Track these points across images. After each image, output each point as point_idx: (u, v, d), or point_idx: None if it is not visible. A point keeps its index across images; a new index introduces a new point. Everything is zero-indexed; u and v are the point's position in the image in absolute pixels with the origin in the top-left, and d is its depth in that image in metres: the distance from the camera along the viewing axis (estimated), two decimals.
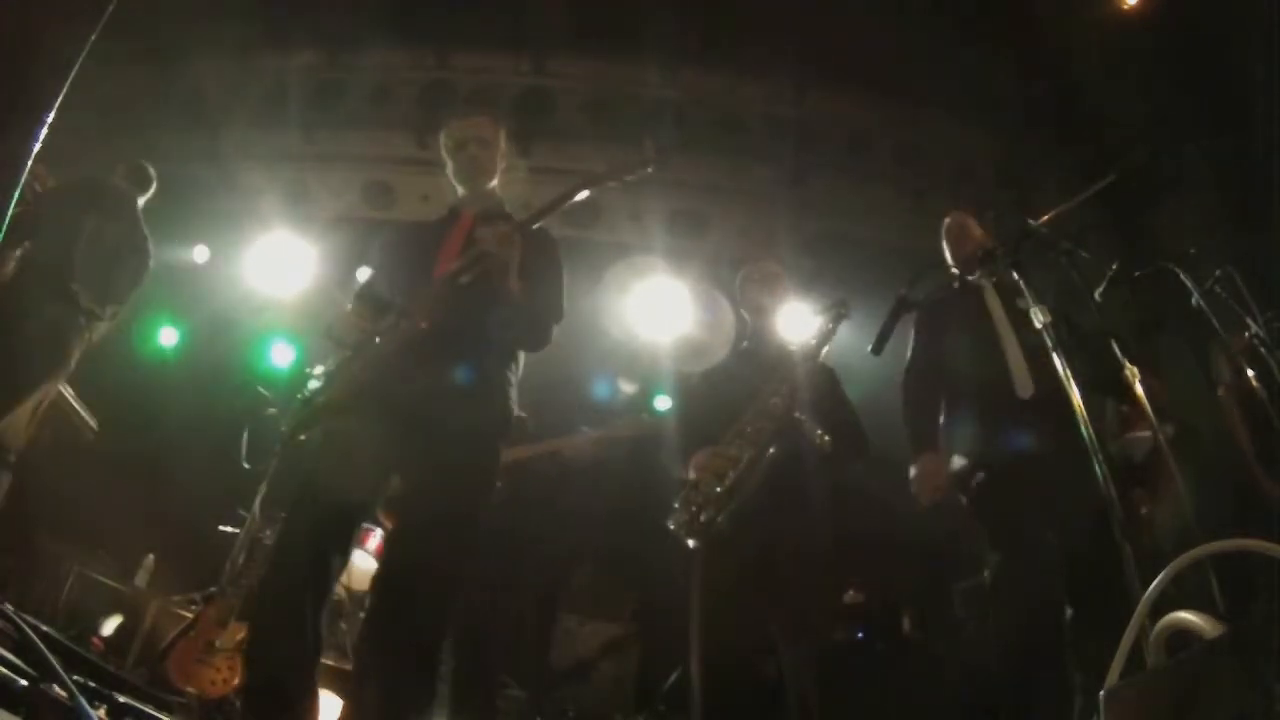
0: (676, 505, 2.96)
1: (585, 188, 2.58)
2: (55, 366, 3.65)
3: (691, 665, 3.02)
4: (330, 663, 3.45)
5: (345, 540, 2.37)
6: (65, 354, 3.66)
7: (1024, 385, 2.95)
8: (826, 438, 2.96)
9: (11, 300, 3.48)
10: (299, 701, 2.16)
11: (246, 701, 2.27)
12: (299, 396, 2.46)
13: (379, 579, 2.56)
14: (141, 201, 4.10)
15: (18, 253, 3.55)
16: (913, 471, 3.06)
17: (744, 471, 2.93)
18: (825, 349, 3.15)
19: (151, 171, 4.16)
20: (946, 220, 3.50)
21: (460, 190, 2.84)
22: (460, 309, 2.42)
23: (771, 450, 2.96)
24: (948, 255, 3.45)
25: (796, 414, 2.97)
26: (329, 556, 2.29)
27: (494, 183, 2.85)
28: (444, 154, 2.87)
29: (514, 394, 2.59)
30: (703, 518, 2.89)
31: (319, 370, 2.48)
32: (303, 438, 2.44)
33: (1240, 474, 3.44)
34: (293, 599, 2.21)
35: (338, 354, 2.48)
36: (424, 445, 2.35)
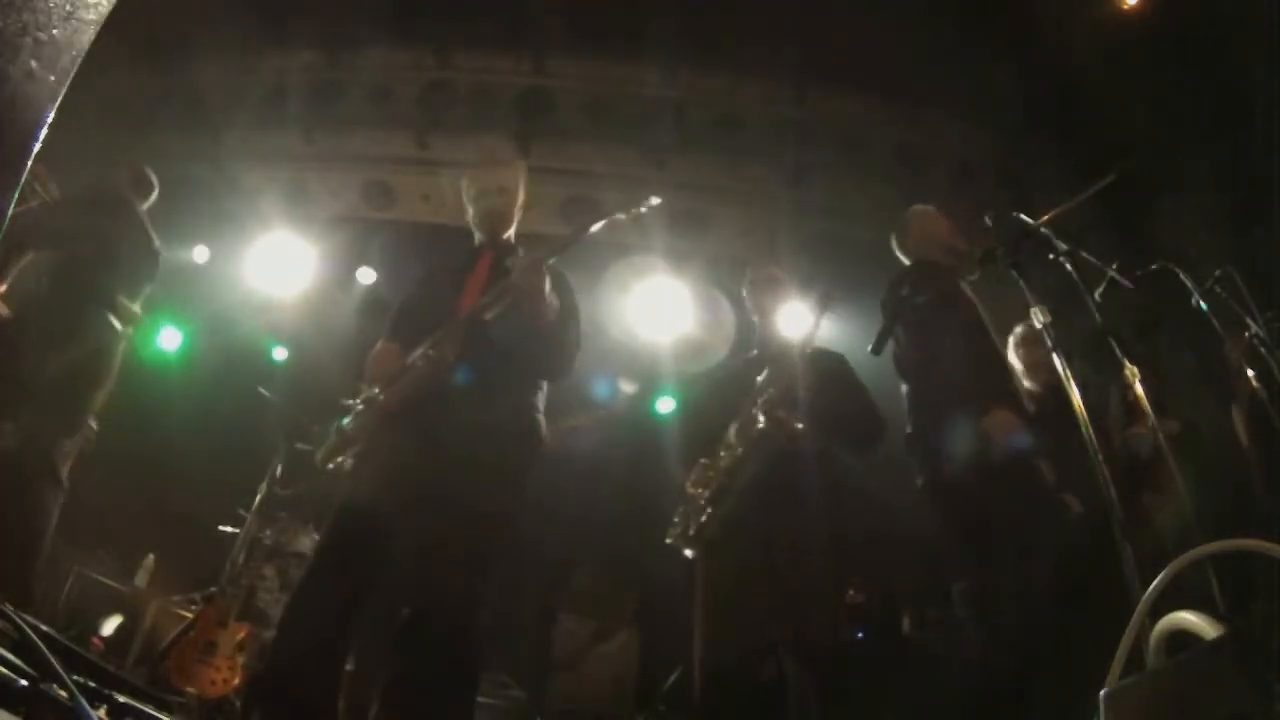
0: (676, 519, 3.00)
1: (594, 226, 2.64)
2: (103, 383, 3.70)
3: (691, 666, 3.02)
4: None
5: (379, 562, 2.39)
6: (111, 368, 3.70)
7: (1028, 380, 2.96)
8: (801, 427, 2.95)
9: (54, 319, 3.48)
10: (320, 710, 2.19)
11: (260, 703, 2.29)
12: (335, 427, 2.53)
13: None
14: (144, 208, 4.10)
15: (39, 270, 3.57)
16: (920, 481, 3.06)
17: (725, 477, 2.95)
18: (811, 341, 3.15)
19: (154, 179, 4.16)
20: (916, 209, 3.53)
21: (479, 236, 2.89)
22: (487, 342, 2.49)
23: (759, 451, 2.96)
24: (923, 251, 3.46)
25: (777, 413, 2.96)
26: (362, 580, 2.34)
27: (511, 230, 2.90)
28: (464, 199, 2.93)
29: (542, 420, 2.66)
30: (692, 531, 2.93)
31: (353, 402, 2.54)
32: (331, 466, 2.50)
33: (1241, 474, 3.44)
34: (323, 619, 2.26)
35: (370, 389, 2.55)
36: (452, 475, 2.40)
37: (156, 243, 4.01)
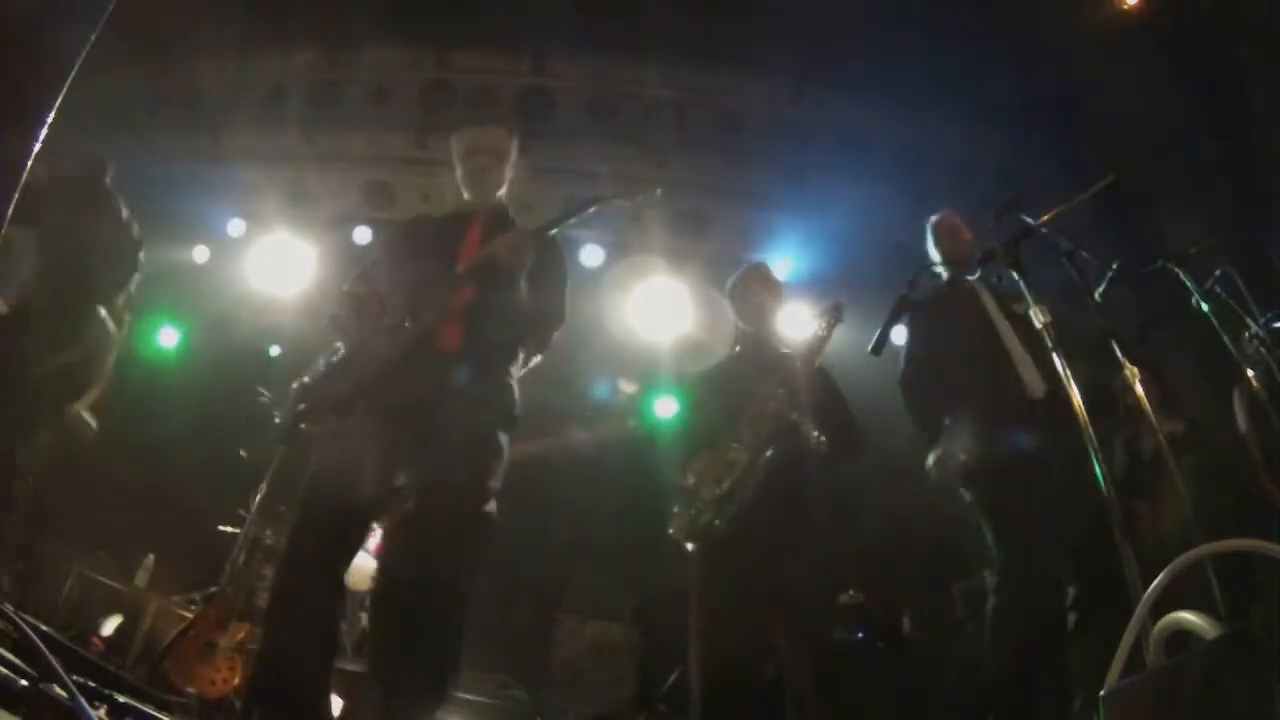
0: (676, 510, 2.99)
1: (594, 205, 2.65)
2: (94, 386, 3.68)
3: (691, 666, 3.03)
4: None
5: (356, 540, 2.40)
6: (104, 372, 3.69)
7: (1035, 385, 2.96)
8: (823, 439, 2.98)
9: (55, 321, 3.45)
10: (313, 706, 2.18)
11: (257, 702, 2.28)
12: (295, 387, 2.50)
13: (382, 579, 2.58)
14: (107, 183, 4.01)
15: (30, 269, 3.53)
16: (931, 459, 3.08)
17: (741, 475, 2.95)
18: (821, 351, 3.16)
19: (104, 155, 4.07)
20: (935, 219, 3.52)
21: (466, 196, 2.88)
22: (474, 311, 2.49)
23: (769, 453, 2.97)
24: (936, 255, 3.46)
25: (793, 416, 2.98)
26: (339, 558, 2.34)
27: (502, 192, 2.89)
28: (454, 158, 2.91)
29: (516, 392, 2.63)
30: (701, 521, 2.92)
31: (318, 364, 2.52)
32: (303, 426, 2.48)
33: (1242, 473, 3.44)
34: (309, 602, 2.24)
35: (343, 344, 2.53)
36: (429, 445, 2.38)
37: (136, 231, 3.95)
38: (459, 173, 2.89)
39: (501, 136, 2.93)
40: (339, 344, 2.59)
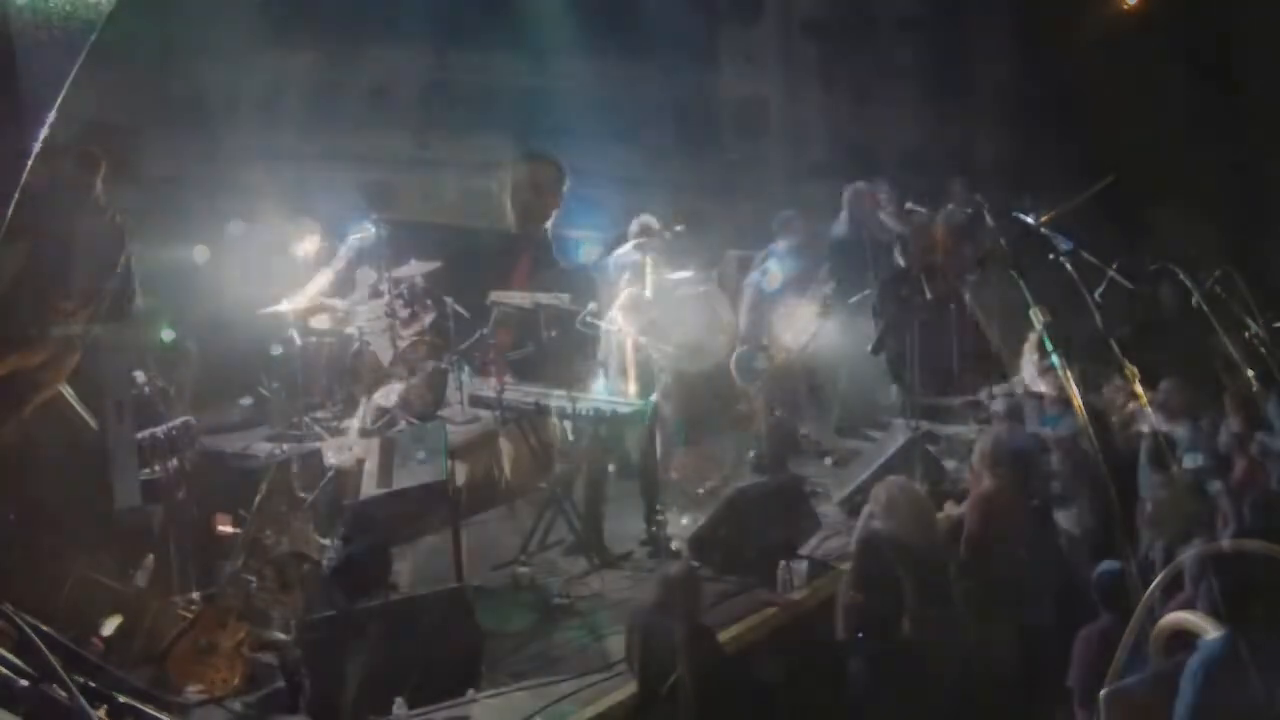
0: (658, 507, 3.01)
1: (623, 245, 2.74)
2: (55, 382, 3.67)
3: (681, 667, 3.04)
4: None
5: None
6: (60, 376, 3.68)
7: (1032, 378, 2.97)
8: (805, 434, 3.00)
9: (12, 325, 3.45)
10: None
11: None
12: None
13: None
14: (99, 184, 3.99)
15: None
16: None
17: (729, 473, 2.97)
18: (807, 348, 3.18)
19: (99, 154, 4.01)
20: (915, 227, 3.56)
21: (514, 229, 2.96)
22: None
23: (755, 450, 2.99)
24: (921, 258, 3.49)
25: (777, 412, 3.01)
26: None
27: (548, 223, 2.96)
28: (502, 190, 3.00)
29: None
30: (684, 520, 2.95)
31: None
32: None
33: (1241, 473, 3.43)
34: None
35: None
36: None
37: (119, 221, 3.91)
38: (506, 205, 2.98)
39: (547, 172, 3.01)
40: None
